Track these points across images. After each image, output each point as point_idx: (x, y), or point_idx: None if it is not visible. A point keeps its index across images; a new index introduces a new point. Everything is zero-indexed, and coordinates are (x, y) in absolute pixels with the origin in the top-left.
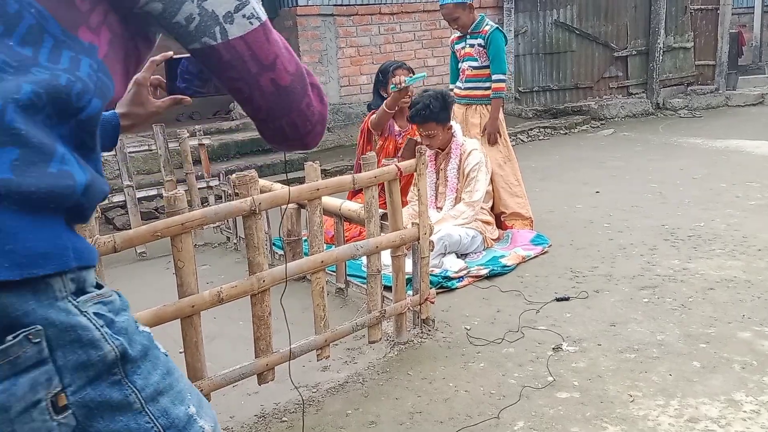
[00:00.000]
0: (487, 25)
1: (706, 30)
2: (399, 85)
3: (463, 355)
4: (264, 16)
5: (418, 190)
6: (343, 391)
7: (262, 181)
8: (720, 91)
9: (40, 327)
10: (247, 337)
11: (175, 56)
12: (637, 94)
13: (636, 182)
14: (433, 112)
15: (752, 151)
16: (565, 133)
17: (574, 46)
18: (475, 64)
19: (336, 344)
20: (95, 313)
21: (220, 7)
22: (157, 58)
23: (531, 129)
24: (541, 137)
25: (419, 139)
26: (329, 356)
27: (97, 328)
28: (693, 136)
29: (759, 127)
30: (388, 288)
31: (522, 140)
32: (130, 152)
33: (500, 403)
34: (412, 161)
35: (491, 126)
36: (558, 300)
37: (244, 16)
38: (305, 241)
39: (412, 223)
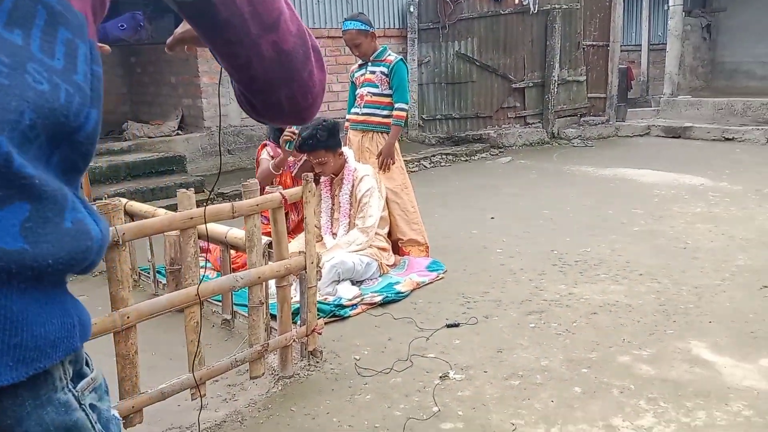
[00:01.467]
0: (390, 55)
1: (597, 65)
2: (288, 139)
3: (350, 387)
4: None
5: (305, 218)
6: (220, 431)
7: (145, 207)
8: (610, 122)
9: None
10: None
11: None
12: (533, 123)
13: (529, 209)
14: (320, 140)
15: (638, 179)
16: (466, 160)
17: (475, 76)
18: (375, 90)
19: (217, 380)
20: (90, 405)
21: None
22: None
23: (434, 155)
24: (443, 164)
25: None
26: (205, 395)
27: (92, 425)
28: (585, 165)
29: (645, 156)
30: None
31: (425, 166)
32: None
33: None
34: (298, 189)
35: (386, 151)
36: (448, 326)
37: None
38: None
39: (300, 252)
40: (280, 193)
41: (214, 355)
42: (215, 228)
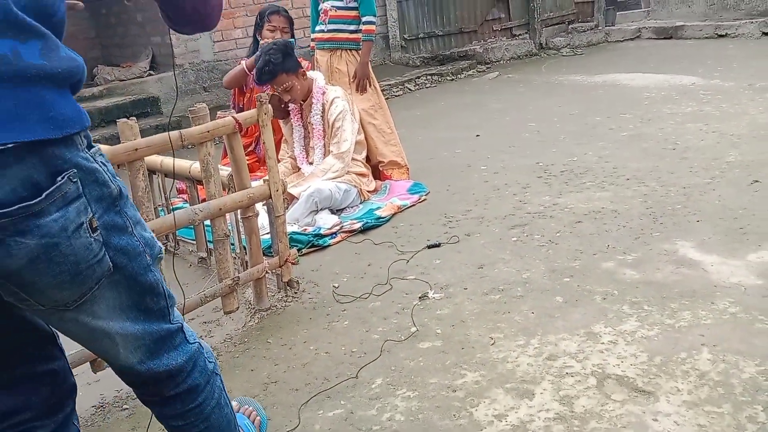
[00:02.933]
0: None
1: None
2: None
3: (328, 315)
4: None
5: (264, 142)
6: None
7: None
8: (599, 28)
9: (75, 170)
10: None
11: None
12: (520, 35)
13: (515, 123)
14: (276, 64)
15: (627, 83)
16: (452, 80)
17: None
18: (339, 3)
19: (192, 318)
20: (101, 162)
21: None
22: None
23: (418, 77)
24: (428, 85)
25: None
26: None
27: (104, 172)
28: (573, 74)
29: (634, 60)
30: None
31: (409, 89)
32: None
33: (360, 361)
34: (252, 112)
35: (361, 71)
36: (429, 247)
37: None
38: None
39: (264, 181)
40: (233, 117)
41: (190, 292)
42: (179, 163)
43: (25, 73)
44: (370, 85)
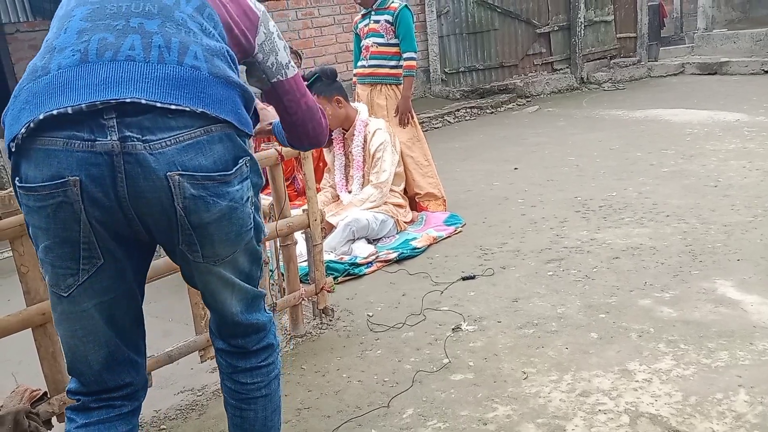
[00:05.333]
0: (394, 2)
1: (626, 2)
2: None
3: (362, 344)
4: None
5: (304, 174)
6: None
7: None
8: (642, 63)
9: (249, 158)
10: None
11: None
12: (561, 69)
13: (554, 157)
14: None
15: (670, 119)
16: (492, 112)
17: (497, 24)
18: (380, 40)
19: None
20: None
21: (284, 60)
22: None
23: (458, 110)
24: (467, 118)
25: None
26: (213, 357)
27: (260, 167)
28: (615, 109)
29: (678, 95)
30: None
31: (449, 122)
32: None
33: (392, 391)
34: None
35: (403, 105)
36: (464, 279)
37: (291, 66)
38: None
39: (303, 210)
40: (276, 149)
41: None
42: None
43: (229, 79)
44: (411, 119)
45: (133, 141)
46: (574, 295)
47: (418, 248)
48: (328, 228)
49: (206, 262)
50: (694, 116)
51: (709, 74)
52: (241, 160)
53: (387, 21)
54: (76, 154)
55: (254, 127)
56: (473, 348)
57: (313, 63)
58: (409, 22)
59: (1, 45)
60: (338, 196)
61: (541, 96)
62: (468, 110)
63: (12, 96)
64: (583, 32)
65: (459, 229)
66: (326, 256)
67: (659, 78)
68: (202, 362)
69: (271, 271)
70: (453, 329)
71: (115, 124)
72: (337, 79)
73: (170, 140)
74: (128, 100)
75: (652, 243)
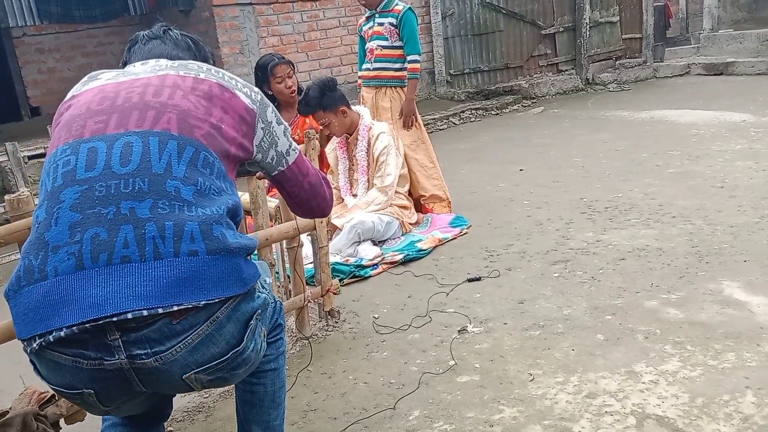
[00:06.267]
0: (398, 4)
1: (631, 3)
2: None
3: (367, 346)
4: (298, 147)
5: None
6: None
7: None
8: (647, 64)
9: (259, 311)
10: None
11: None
12: (566, 70)
13: (560, 158)
14: (313, 99)
15: (676, 120)
16: (497, 114)
17: (502, 25)
18: (384, 43)
19: None
20: (267, 286)
21: (283, 148)
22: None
23: (463, 111)
24: (472, 119)
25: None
26: None
27: (268, 294)
28: (620, 109)
29: (683, 96)
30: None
31: (454, 123)
32: None
33: (398, 393)
34: (300, 147)
35: (407, 107)
36: (469, 281)
37: (293, 149)
38: None
39: None
40: None
41: None
42: None
43: (229, 248)
44: (416, 121)
45: (142, 358)
46: (580, 297)
47: (424, 250)
48: (333, 229)
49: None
50: (700, 117)
51: (715, 75)
52: (251, 322)
53: (391, 24)
54: (85, 371)
55: (257, 173)
56: (479, 350)
57: (318, 65)
58: (413, 24)
59: (8, 48)
60: (342, 198)
61: (547, 97)
62: (473, 112)
63: (13, 284)
64: (588, 33)
65: (464, 231)
66: (332, 258)
67: (665, 79)
68: None
69: (277, 273)
70: (459, 331)
71: (120, 344)
72: (338, 86)
73: (179, 347)
74: (130, 316)
75: (658, 244)
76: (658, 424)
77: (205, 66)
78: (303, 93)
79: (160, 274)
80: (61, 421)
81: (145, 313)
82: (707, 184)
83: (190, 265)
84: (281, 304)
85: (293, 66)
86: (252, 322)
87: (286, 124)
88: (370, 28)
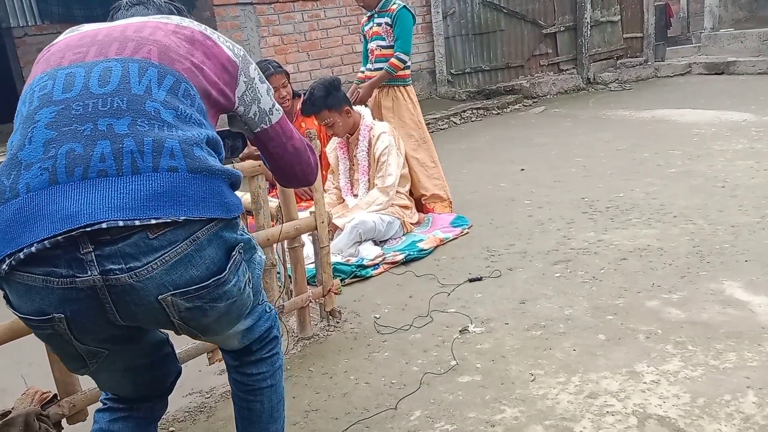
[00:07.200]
0: (394, 3)
1: (632, 3)
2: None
3: (369, 346)
4: (282, 110)
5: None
6: None
7: None
8: (649, 63)
9: (242, 244)
10: None
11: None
12: (567, 70)
13: (561, 157)
14: (318, 98)
15: (677, 119)
16: (498, 113)
17: (503, 25)
18: (383, 43)
19: None
20: (247, 232)
21: (266, 106)
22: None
23: (464, 111)
24: (473, 119)
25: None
26: (221, 359)
27: (251, 239)
28: (621, 109)
29: (684, 96)
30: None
31: (455, 123)
32: None
33: (399, 393)
34: None
35: (364, 92)
36: (471, 281)
37: (276, 109)
38: None
39: (310, 212)
40: None
41: None
42: None
43: (211, 169)
44: (363, 103)
45: (116, 273)
46: (581, 297)
47: (425, 250)
48: (334, 229)
49: (207, 339)
50: (701, 116)
51: (716, 74)
52: (234, 252)
53: (387, 23)
54: (56, 291)
55: (241, 152)
56: (480, 350)
57: (319, 65)
58: (405, 22)
59: (9, 48)
60: (343, 198)
61: (548, 97)
62: (474, 111)
63: None
64: (589, 32)
65: (466, 231)
66: (333, 258)
67: (666, 78)
68: (210, 365)
69: (278, 273)
70: (460, 331)
71: (93, 258)
72: (341, 86)
73: (156, 263)
74: (105, 225)
75: (659, 244)
76: (660, 424)
77: (188, 20)
78: (307, 93)
79: (137, 188)
80: (64, 421)
81: (120, 223)
82: (708, 184)
83: (170, 180)
84: (276, 312)
85: (288, 75)
86: (235, 253)
87: (269, 84)
88: (370, 29)
